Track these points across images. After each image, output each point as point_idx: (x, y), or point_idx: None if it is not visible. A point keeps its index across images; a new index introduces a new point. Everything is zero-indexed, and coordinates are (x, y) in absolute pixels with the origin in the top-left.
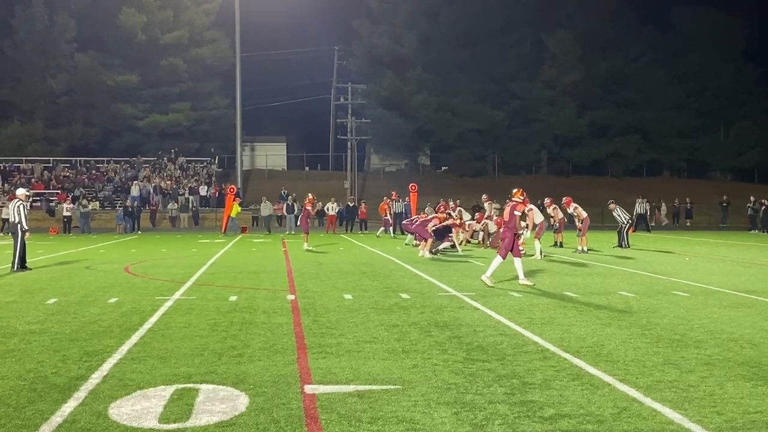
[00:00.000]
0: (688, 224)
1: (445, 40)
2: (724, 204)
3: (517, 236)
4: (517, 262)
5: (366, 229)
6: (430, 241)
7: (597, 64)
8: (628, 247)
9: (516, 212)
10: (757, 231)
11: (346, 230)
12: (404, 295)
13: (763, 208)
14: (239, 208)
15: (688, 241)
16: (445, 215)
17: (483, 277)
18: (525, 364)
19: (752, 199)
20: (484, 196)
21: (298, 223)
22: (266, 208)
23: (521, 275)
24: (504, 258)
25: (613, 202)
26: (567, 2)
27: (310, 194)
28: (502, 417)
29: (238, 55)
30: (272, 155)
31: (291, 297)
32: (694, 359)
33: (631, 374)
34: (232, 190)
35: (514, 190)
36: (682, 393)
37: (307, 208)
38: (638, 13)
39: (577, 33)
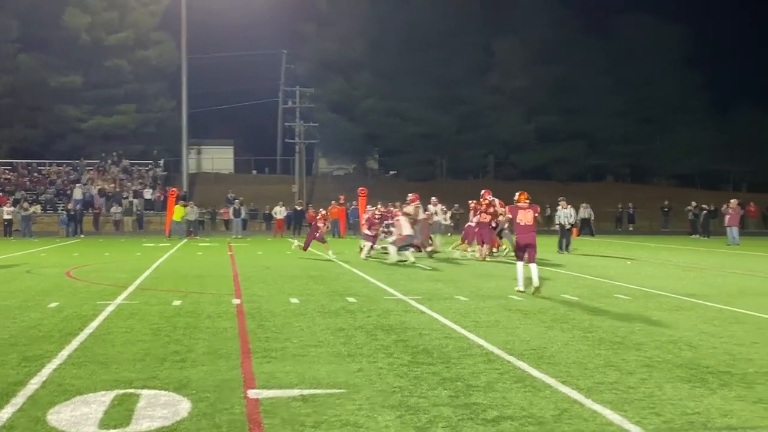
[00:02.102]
0: (631, 229)
1: (394, 45)
2: (666, 209)
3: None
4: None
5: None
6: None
7: (543, 71)
8: (567, 251)
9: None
10: (697, 235)
11: (294, 234)
12: (351, 299)
13: (704, 213)
14: (183, 211)
15: (630, 246)
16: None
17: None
18: (469, 367)
19: (693, 204)
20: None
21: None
22: (192, 213)
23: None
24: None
25: (563, 200)
26: (514, 10)
27: (323, 210)
28: (446, 419)
29: (184, 57)
30: (219, 158)
31: (236, 301)
32: (634, 361)
33: (572, 376)
34: (172, 193)
35: (518, 194)
36: (622, 394)
37: (318, 224)
38: (584, 22)
39: (524, 40)
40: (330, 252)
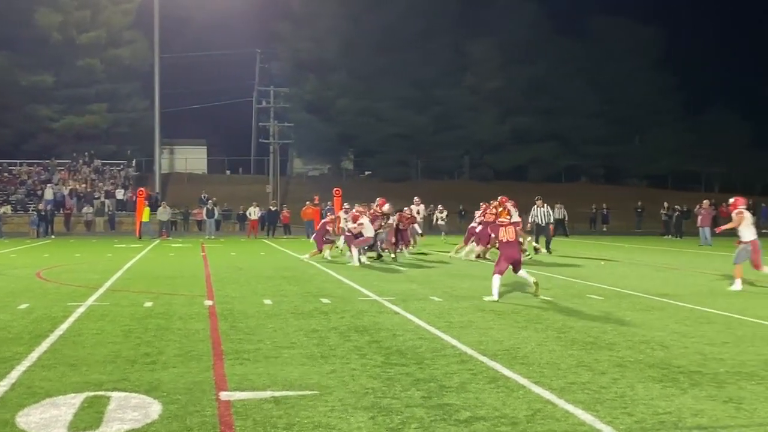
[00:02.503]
0: (605, 229)
1: (369, 45)
2: (639, 210)
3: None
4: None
5: (290, 234)
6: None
7: (518, 72)
8: (548, 251)
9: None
10: (670, 236)
11: (268, 235)
12: (325, 300)
13: (676, 213)
14: (149, 211)
15: (604, 246)
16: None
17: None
18: (443, 368)
19: (666, 205)
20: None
21: (313, 238)
22: (164, 213)
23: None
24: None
25: (540, 199)
26: (488, 11)
27: (330, 215)
28: (419, 420)
29: (156, 57)
30: (192, 159)
31: (209, 302)
32: (606, 361)
33: (545, 376)
34: (141, 193)
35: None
36: (595, 394)
37: (327, 228)
38: (557, 23)
39: (498, 41)
40: (327, 253)
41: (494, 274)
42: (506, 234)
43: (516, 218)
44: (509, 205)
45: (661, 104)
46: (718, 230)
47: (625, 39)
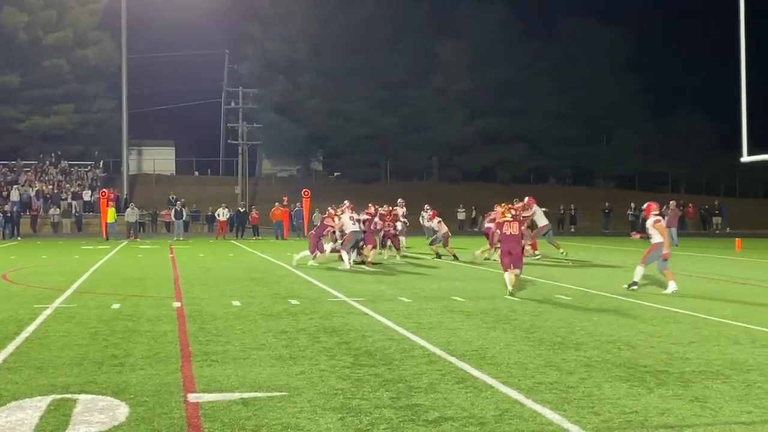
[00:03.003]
0: (573, 230)
1: (338, 46)
2: (607, 210)
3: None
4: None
5: (258, 236)
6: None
7: (486, 73)
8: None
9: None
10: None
11: (237, 236)
12: (294, 302)
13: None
14: (114, 212)
15: (571, 246)
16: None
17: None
18: (411, 369)
19: (633, 205)
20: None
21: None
22: (132, 215)
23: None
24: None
25: (517, 201)
26: (457, 12)
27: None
28: (387, 421)
29: (124, 57)
30: (160, 160)
31: (177, 304)
32: (574, 361)
33: (513, 376)
34: (103, 194)
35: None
36: (562, 394)
37: (328, 223)
38: (525, 24)
39: (467, 42)
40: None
41: (504, 271)
42: (510, 228)
43: (543, 222)
44: (536, 207)
45: (629, 106)
46: (634, 236)
47: (593, 41)
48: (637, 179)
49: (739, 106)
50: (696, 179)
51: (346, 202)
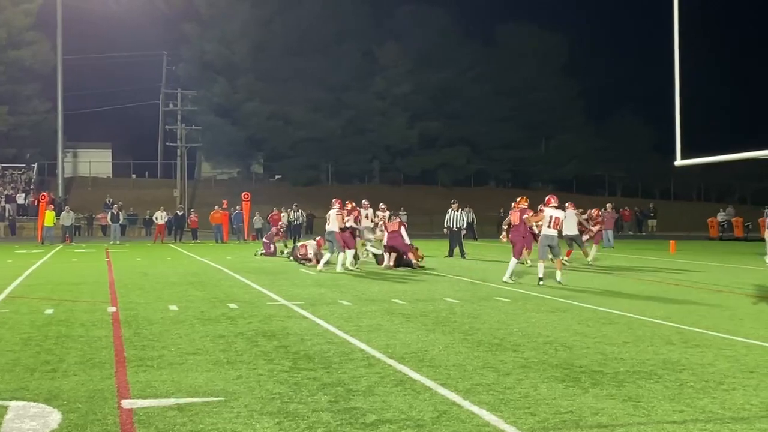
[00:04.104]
0: None
1: (278, 48)
2: None
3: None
4: (512, 262)
5: (197, 239)
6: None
7: (427, 77)
8: (463, 257)
9: (525, 217)
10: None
11: (175, 240)
12: (232, 305)
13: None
14: (53, 216)
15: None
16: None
17: (504, 278)
18: (350, 372)
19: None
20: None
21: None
22: (67, 218)
23: (508, 274)
24: (518, 259)
25: (456, 203)
26: (398, 16)
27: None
28: (325, 425)
29: (59, 58)
30: (97, 162)
31: (112, 309)
32: (511, 362)
33: (452, 378)
34: (43, 197)
35: (518, 198)
36: (499, 395)
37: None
38: (465, 29)
39: (407, 46)
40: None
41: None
42: (514, 219)
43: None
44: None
45: (567, 110)
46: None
47: (533, 46)
48: (575, 182)
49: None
50: (632, 182)
51: (364, 201)
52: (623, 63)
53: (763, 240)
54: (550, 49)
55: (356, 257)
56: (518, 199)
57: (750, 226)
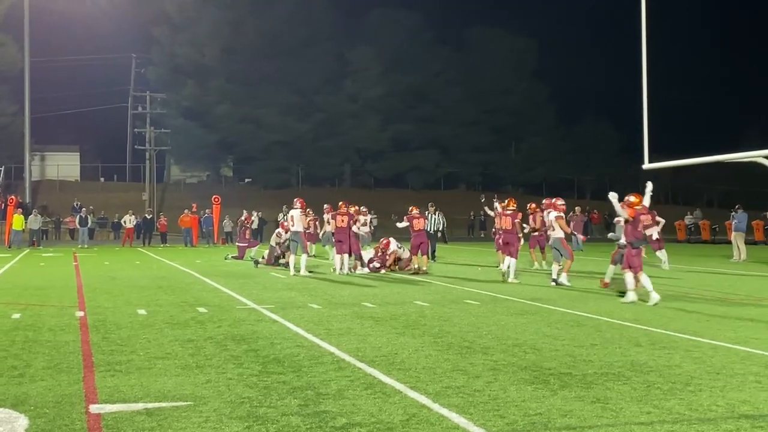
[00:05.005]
0: (482, 235)
1: (249, 51)
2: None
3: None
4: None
5: (166, 243)
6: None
7: (398, 80)
8: (433, 260)
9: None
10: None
11: (144, 244)
12: (201, 309)
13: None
14: (22, 220)
15: (481, 252)
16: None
17: (510, 280)
18: (320, 375)
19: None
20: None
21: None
22: (34, 222)
23: (512, 275)
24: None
25: (433, 206)
26: (369, 19)
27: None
28: (295, 429)
29: (27, 60)
30: (65, 165)
31: (80, 313)
32: (481, 365)
33: (421, 381)
34: (12, 201)
35: (506, 201)
36: (469, 398)
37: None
38: (436, 32)
39: (378, 49)
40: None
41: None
42: (505, 222)
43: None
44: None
45: (537, 114)
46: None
47: (502, 50)
48: (544, 186)
49: (641, 114)
50: (601, 186)
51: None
52: (592, 68)
53: (729, 243)
54: (521, 53)
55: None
56: (506, 202)
57: (717, 229)
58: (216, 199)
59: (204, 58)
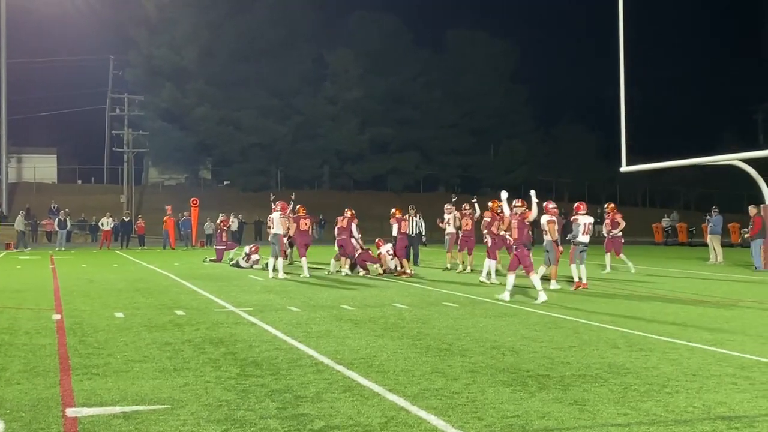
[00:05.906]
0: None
1: (228, 53)
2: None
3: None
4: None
5: (144, 245)
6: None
7: (377, 82)
8: (416, 263)
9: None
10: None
11: (122, 246)
12: (179, 312)
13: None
14: None
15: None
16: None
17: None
18: (299, 378)
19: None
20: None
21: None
22: (21, 223)
23: (492, 276)
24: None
25: (414, 208)
26: (347, 21)
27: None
28: None
29: (3, 61)
30: (41, 167)
31: (57, 316)
32: (459, 367)
33: (400, 384)
34: None
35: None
36: (447, 400)
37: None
38: (415, 35)
39: (357, 51)
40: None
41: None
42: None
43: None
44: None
45: (515, 116)
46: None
47: (481, 52)
48: (522, 188)
49: (619, 117)
50: (578, 187)
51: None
52: (570, 71)
53: (706, 245)
54: (499, 56)
55: (353, 266)
56: (492, 205)
57: (694, 232)
58: (194, 202)
59: (182, 60)
